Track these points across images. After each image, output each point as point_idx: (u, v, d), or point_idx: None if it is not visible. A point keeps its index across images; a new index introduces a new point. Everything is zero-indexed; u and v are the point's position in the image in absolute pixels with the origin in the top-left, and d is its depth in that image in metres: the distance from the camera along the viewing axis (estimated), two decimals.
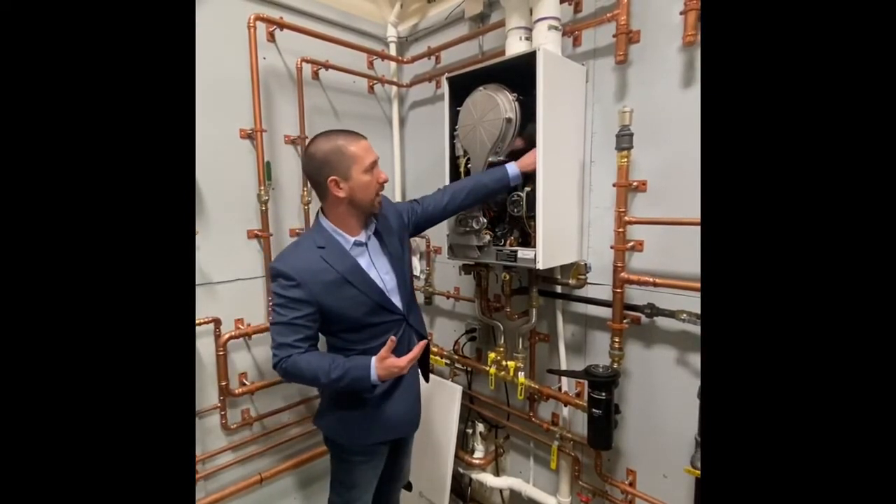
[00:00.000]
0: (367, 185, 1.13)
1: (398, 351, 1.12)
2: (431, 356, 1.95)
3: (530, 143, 1.30)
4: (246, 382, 1.67)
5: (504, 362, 1.59)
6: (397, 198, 2.12)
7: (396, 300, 1.23)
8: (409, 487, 1.54)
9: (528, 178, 1.31)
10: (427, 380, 1.43)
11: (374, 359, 1.09)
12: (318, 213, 1.22)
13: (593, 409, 1.29)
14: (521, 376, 1.56)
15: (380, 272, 1.21)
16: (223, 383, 1.58)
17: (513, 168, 1.30)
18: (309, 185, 1.70)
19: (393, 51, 2.04)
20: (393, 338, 1.09)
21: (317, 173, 1.12)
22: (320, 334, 1.18)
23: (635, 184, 1.32)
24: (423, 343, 1.17)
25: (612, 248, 1.32)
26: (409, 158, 2.14)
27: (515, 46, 1.38)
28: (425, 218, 1.34)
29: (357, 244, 1.18)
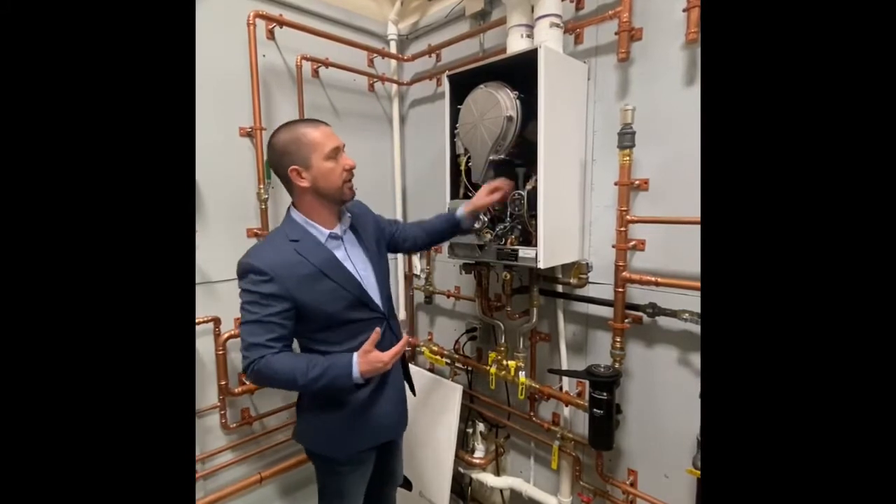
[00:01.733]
0: (330, 171, 1.09)
1: (379, 350, 1.07)
2: (431, 355, 1.95)
3: (527, 146, 1.29)
4: (245, 382, 1.67)
5: (505, 362, 1.58)
6: (397, 196, 2.11)
7: (376, 297, 1.19)
8: (409, 487, 1.54)
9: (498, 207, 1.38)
10: (414, 394, 1.39)
11: (356, 354, 1.05)
12: (288, 208, 1.18)
13: (594, 409, 1.29)
14: (522, 376, 1.55)
15: (356, 266, 1.17)
16: (223, 382, 1.58)
17: (461, 211, 1.36)
18: None
19: (393, 48, 2.03)
20: (378, 329, 1.05)
21: (278, 164, 1.10)
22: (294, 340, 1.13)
23: (637, 182, 1.31)
24: (405, 339, 1.13)
25: (613, 247, 1.31)
26: (410, 157, 2.13)
27: (516, 44, 1.37)
28: (403, 238, 1.39)
29: (332, 237, 1.14)
